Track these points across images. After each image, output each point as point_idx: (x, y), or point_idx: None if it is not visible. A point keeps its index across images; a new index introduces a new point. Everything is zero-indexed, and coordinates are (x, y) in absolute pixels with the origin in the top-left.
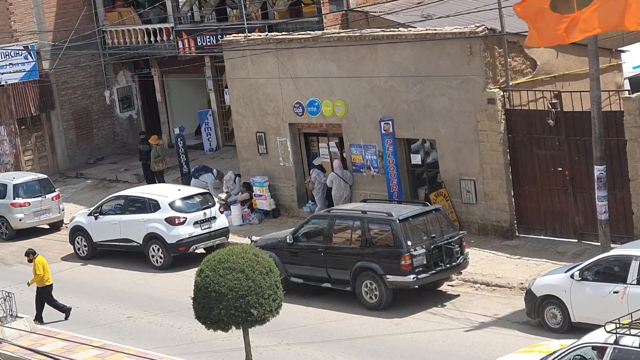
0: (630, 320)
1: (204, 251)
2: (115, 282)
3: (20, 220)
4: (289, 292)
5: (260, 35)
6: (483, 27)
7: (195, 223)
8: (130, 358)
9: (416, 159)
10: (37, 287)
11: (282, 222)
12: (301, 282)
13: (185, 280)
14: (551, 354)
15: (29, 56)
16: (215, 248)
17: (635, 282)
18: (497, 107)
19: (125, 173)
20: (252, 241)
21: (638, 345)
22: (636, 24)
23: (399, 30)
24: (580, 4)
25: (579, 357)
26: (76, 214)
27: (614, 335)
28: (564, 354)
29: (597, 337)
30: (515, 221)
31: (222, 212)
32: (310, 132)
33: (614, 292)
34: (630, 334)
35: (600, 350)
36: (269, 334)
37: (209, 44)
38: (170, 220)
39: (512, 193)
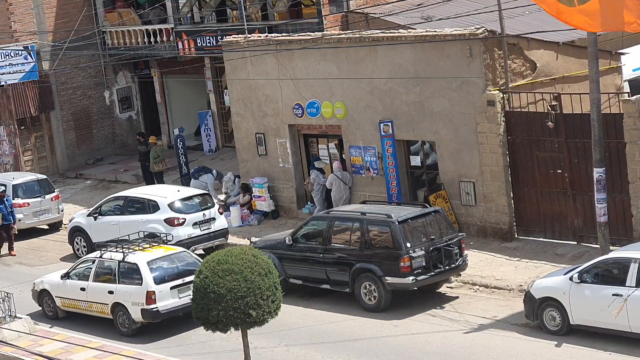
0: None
1: (203, 252)
2: None
3: (19, 220)
4: (288, 294)
5: (260, 37)
6: (483, 29)
7: (195, 224)
8: (129, 359)
9: (415, 160)
10: None
11: (281, 223)
12: (300, 284)
13: None
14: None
15: (28, 56)
16: (214, 249)
17: (634, 285)
18: (497, 109)
19: (124, 174)
20: (251, 242)
21: (113, 258)
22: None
23: (398, 32)
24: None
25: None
26: (75, 214)
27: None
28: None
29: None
30: (515, 223)
31: (221, 213)
32: (309, 134)
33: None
34: (109, 251)
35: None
36: (267, 335)
37: (208, 45)
38: (169, 221)
39: (512, 195)
